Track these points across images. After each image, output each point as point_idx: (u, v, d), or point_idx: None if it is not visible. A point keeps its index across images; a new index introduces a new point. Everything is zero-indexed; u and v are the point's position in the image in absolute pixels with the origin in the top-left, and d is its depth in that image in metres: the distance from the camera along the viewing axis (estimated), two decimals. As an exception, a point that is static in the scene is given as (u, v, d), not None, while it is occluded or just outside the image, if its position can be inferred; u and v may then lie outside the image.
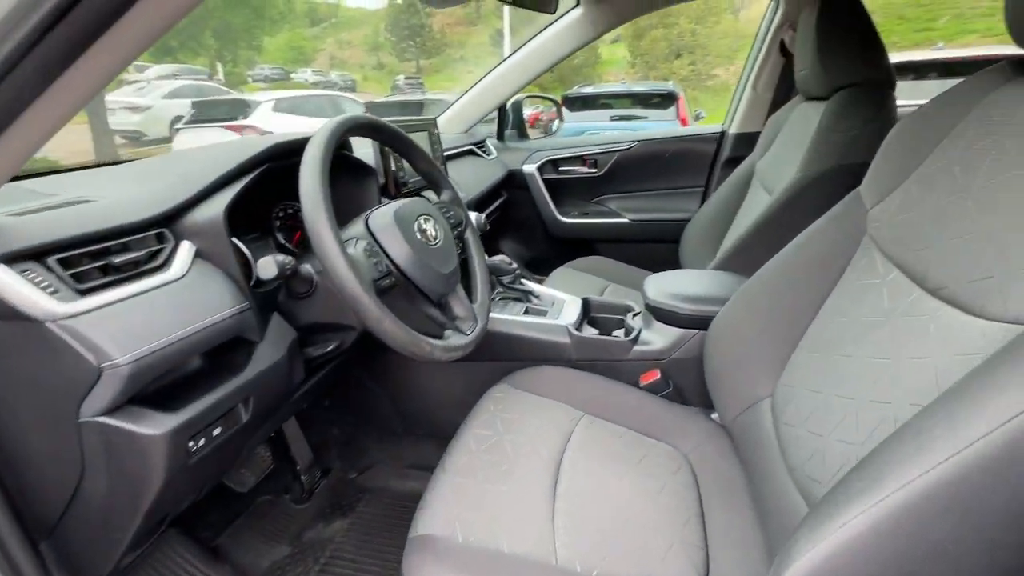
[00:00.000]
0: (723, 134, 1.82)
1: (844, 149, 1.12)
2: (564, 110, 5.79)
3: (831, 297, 0.78)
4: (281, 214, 0.95)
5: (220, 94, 10.11)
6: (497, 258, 1.25)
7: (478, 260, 0.98)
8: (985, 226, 0.55)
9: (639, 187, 1.97)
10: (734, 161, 1.75)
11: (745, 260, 1.28)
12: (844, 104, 1.15)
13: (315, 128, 0.75)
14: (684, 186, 1.91)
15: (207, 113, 6.91)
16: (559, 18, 1.68)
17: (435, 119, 1.43)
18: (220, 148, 0.96)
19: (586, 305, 1.25)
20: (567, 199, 2.04)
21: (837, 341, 0.72)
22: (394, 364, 1.21)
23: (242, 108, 6.72)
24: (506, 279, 1.27)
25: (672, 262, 1.94)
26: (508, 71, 1.78)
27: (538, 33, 1.72)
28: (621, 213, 1.97)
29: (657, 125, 5.28)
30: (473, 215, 1.31)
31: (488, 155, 1.90)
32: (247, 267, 0.80)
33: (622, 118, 5.56)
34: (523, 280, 1.32)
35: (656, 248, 1.96)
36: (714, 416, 0.98)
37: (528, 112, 2.28)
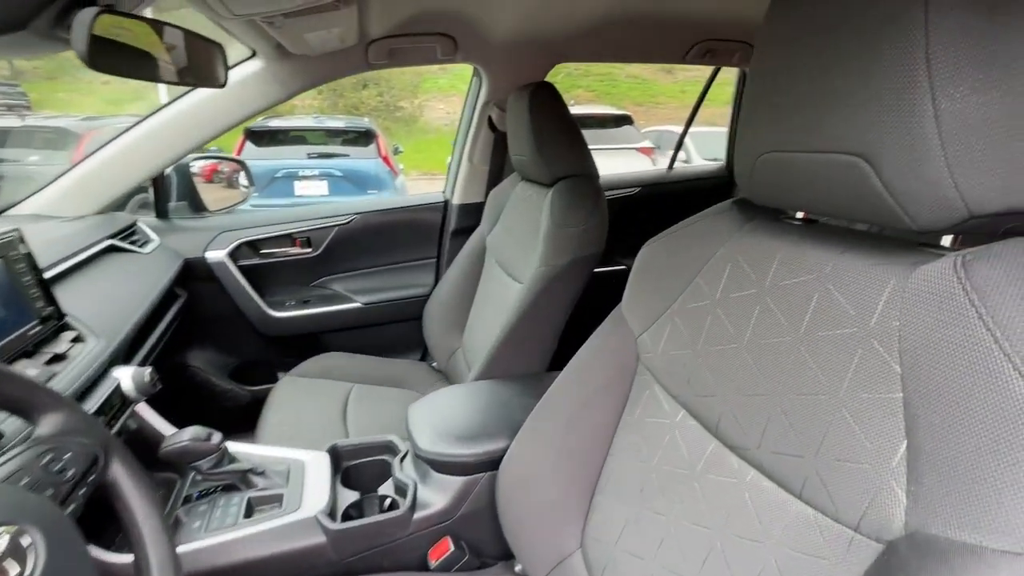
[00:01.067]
0: (447, 204, 1.73)
1: (577, 243, 1.13)
2: (248, 146, 5.05)
3: (621, 431, 0.72)
4: None
5: None
6: (188, 432, 0.82)
7: (144, 517, 0.56)
8: (773, 391, 0.53)
9: (367, 264, 1.71)
10: (462, 232, 1.69)
11: (512, 356, 1.19)
12: (568, 195, 1.16)
13: None
14: (416, 259, 1.75)
15: None
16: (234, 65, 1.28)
17: (17, 232, 0.83)
18: None
19: (335, 457, 0.94)
20: (278, 288, 1.62)
21: (642, 491, 0.66)
22: None
23: None
24: (206, 464, 0.85)
25: (415, 342, 1.77)
26: (158, 133, 1.28)
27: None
28: (351, 296, 1.67)
29: (364, 164, 5.08)
30: (126, 376, 0.84)
31: (144, 246, 1.32)
32: None
33: (321, 155, 5.15)
34: (234, 448, 0.91)
35: (396, 330, 1.74)
36: (517, 568, 0.88)
37: (200, 166, 1.71)
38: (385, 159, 5.24)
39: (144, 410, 0.95)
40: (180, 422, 0.90)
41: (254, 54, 1.24)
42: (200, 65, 0.72)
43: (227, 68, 0.79)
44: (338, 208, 1.65)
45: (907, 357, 0.43)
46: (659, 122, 9.62)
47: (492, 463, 0.88)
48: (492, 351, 1.18)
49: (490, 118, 1.56)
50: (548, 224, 1.15)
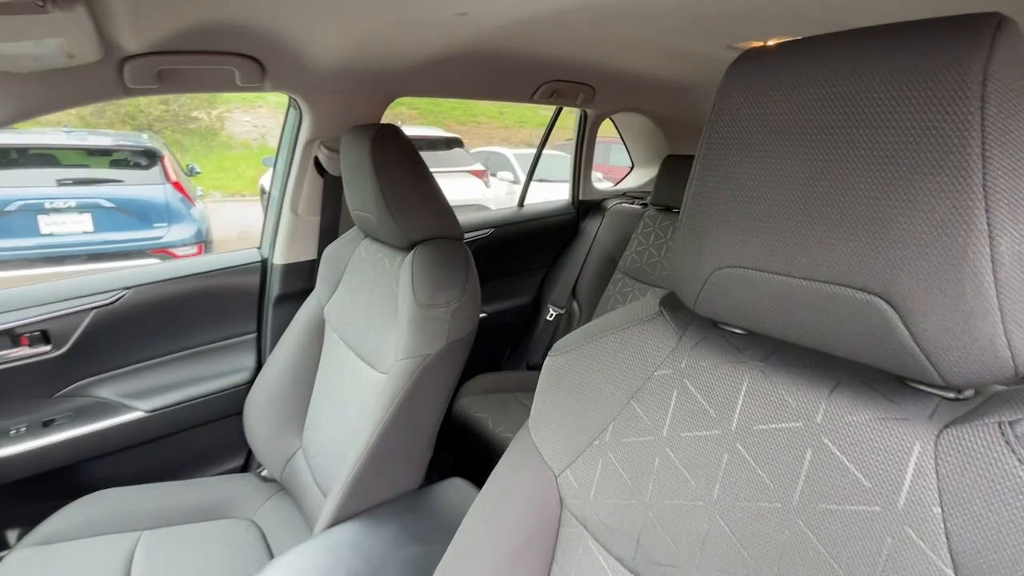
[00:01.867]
0: (266, 265, 1.36)
1: (450, 325, 0.92)
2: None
3: None
4: None
5: None
6: None
7: None
8: (767, 572, 0.42)
9: (152, 353, 1.25)
10: (289, 298, 1.34)
11: (379, 475, 0.93)
12: (432, 266, 0.94)
13: None
14: (227, 337, 1.34)
15: None
16: None
17: None
18: None
19: None
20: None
21: None
22: None
23: None
24: None
25: (233, 448, 1.36)
26: None
27: None
28: (127, 404, 1.20)
29: (146, 191, 4.09)
30: None
31: None
32: None
33: (79, 181, 4.01)
34: None
35: (204, 436, 1.31)
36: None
37: None
38: (177, 185, 4.33)
39: None
40: None
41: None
42: None
43: None
44: (95, 283, 1.16)
45: (963, 559, 0.32)
46: (482, 142, 9.87)
47: None
48: (352, 472, 0.89)
49: (317, 159, 1.26)
50: (411, 306, 0.91)
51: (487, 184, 6.06)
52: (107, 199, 3.99)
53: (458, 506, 0.92)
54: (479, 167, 6.12)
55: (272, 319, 1.35)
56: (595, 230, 1.96)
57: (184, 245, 4.25)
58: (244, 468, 1.39)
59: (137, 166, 4.33)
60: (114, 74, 0.90)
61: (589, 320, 1.92)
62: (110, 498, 1.08)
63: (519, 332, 2.02)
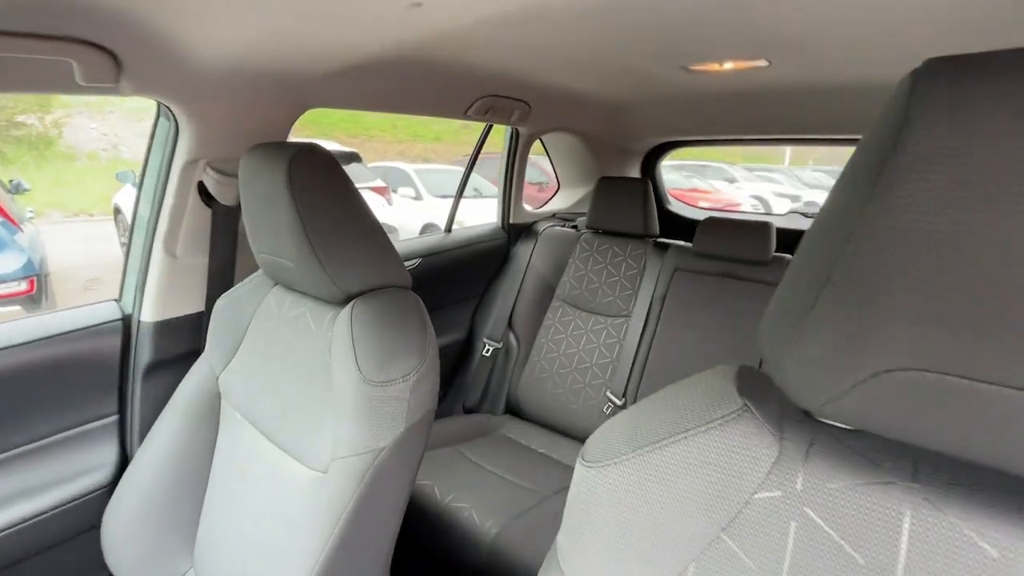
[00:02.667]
0: (128, 322, 1.02)
1: (409, 404, 0.71)
2: None
3: None
4: None
5: None
6: None
7: None
8: None
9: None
10: (160, 367, 1.03)
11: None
12: (378, 329, 0.72)
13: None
14: (75, 424, 0.98)
15: None
16: None
17: None
18: None
19: None
20: None
21: None
22: None
23: None
24: None
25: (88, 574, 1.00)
26: None
27: None
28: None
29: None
30: None
31: None
32: None
33: None
34: None
35: (44, 566, 0.94)
36: None
37: None
38: (7, 216, 3.48)
39: None
40: None
41: None
42: None
43: None
44: None
45: None
46: (377, 157, 9.42)
47: None
48: None
49: (202, 185, 0.97)
50: (354, 384, 0.69)
51: (389, 201, 5.73)
52: None
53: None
54: (380, 183, 5.77)
55: (140, 396, 1.02)
56: (528, 255, 1.83)
57: (10, 280, 3.41)
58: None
59: (-67, 183, 3.41)
60: None
61: (528, 353, 1.77)
62: None
63: (452, 372, 1.82)
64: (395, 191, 6.06)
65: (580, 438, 1.56)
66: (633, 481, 0.41)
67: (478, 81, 1.23)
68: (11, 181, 4.58)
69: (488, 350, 1.75)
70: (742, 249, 1.41)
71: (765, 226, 1.39)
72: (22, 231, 3.63)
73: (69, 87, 0.72)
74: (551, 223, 1.91)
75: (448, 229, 1.77)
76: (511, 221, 1.88)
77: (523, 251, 1.85)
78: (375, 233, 0.78)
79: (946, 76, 0.26)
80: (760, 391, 0.41)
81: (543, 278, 1.78)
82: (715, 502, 0.38)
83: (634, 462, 0.42)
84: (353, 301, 0.75)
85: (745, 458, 0.38)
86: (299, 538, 0.69)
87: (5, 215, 3.54)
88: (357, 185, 0.79)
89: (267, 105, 0.95)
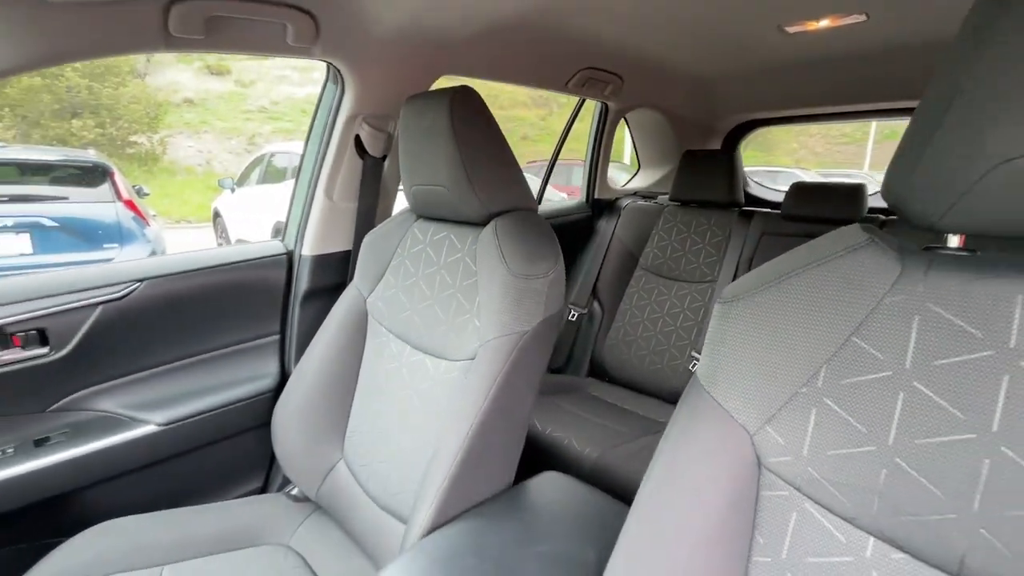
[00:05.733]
0: (291, 256, 1.22)
1: (546, 297, 0.83)
2: None
3: None
4: None
5: None
6: None
7: None
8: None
9: (163, 358, 1.08)
10: (318, 294, 1.21)
11: (473, 478, 0.80)
12: (518, 235, 0.86)
13: None
14: (248, 339, 1.18)
15: None
16: None
17: None
18: None
19: None
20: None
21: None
22: None
23: None
24: None
25: (257, 463, 1.19)
26: None
27: None
28: (137, 417, 1.01)
29: (95, 209, 3.76)
30: None
31: None
32: None
33: (16, 198, 3.63)
34: None
35: (224, 453, 1.14)
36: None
37: None
38: (129, 204, 4.00)
39: None
40: None
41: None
42: None
43: None
44: (102, 273, 0.99)
45: None
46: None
47: None
48: (447, 473, 0.77)
49: (358, 139, 1.15)
50: (503, 278, 0.82)
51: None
52: (50, 218, 3.62)
53: (563, 501, 0.82)
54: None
55: (299, 318, 1.21)
56: (612, 228, 1.93)
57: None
58: (264, 488, 1.21)
59: (83, 182, 3.97)
60: (158, 18, 0.78)
61: (612, 319, 1.87)
62: (119, 530, 0.89)
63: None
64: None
65: (663, 396, 1.63)
66: (764, 307, 0.50)
67: (578, 52, 1.36)
68: (135, 187, 5.22)
69: (573, 315, 1.86)
70: (833, 210, 1.44)
71: (859, 187, 1.43)
72: (149, 226, 4.14)
73: (281, 47, 0.91)
74: (632, 199, 2.01)
75: (538, 202, 1.90)
76: (596, 196, 1.99)
77: (607, 224, 1.95)
78: (512, 164, 0.92)
79: None
80: (881, 235, 0.49)
81: (626, 249, 1.87)
82: (844, 310, 0.47)
83: (764, 293, 0.51)
84: (495, 219, 0.89)
85: (871, 273, 0.46)
86: (444, 423, 0.81)
87: (137, 212, 4.06)
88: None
89: (413, 68, 1.13)
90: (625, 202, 1.99)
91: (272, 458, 1.17)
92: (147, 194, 5.37)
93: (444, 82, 1.23)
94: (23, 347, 0.90)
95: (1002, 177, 0.38)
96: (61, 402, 0.96)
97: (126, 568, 0.83)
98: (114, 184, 4.06)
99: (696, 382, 0.55)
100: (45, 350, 0.92)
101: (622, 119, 1.94)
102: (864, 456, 0.44)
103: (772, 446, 0.48)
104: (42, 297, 0.92)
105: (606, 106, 1.83)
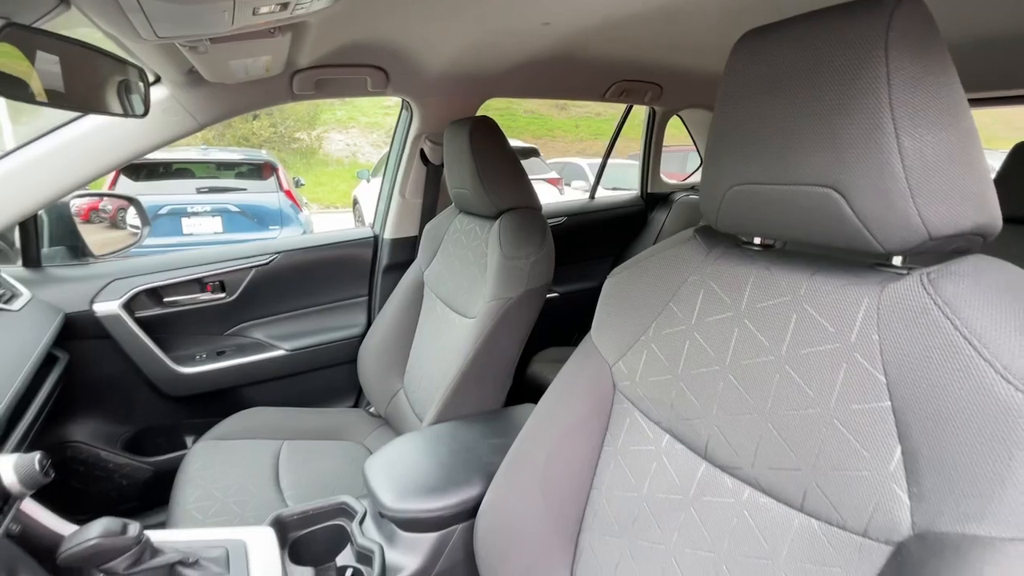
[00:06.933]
0: (377, 239, 1.65)
1: (528, 274, 1.12)
2: (123, 181, 4.49)
3: (603, 463, 0.72)
4: None
5: None
6: (97, 527, 0.67)
7: None
8: (762, 409, 0.55)
9: (291, 307, 1.57)
10: (395, 267, 1.62)
11: (468, 395, 1.14)
12: (515, 227, 1.16)
13: None
14: (345, 298, 1.64)
15: None
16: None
17: None
18: None
19: (280, 529, 0.83)
20: (185, 340, 1.43)
21: (635, 523, 0.65)
22: None
23: None
24: (123, 564, 0.70)
25: (348, 387, 1.65)
26: (33, 167, 1.08)
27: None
28: (274, 343, 1.52)
29: (264, 198, 4.74)
30: (7, 468, 0.69)
31: (11, 302, 1.10)
32: None
33: (212, 189, 4.73)
34: (157, 539, 0.76)
35: (327, 376, 1.61)
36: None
37: (79, 204, 1.47)
38: (288, 193, 4.95)
39: (30, 507, 0.77)
40: (68, 514, 0.73)
41: (158, 79, 1.11)
42: (117, 91, 0.62)
43: (148, 94, 0.69)
44: (257, 247, 1.50)
45: (891, 368, 0.46)
46: (558, 155, 10.17)
47: (467, 512, 0.84)
48: (446, 392, 1.12)
49: (422, 151, 1.53)
50: (498, 257, 1.13)
51: (561, 191, 6.28)
52: (234, 205, 4.65)
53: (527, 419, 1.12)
54: (554, 175, 6.36)
55: (381, 285, 1.64)
56: (663, 221, 2.10)
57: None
58: (356, 404, 1.67)
59: (257, 176, 5.01)
60: (286, 83, 1.21)
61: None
62: (260, 414, 1.38)
63: (587, 312, 2.19)
64: (569, 184, 6.61)
65: None
66: (628, 281, 0.76)
67: (612, 69, 1.58)
68: (294, 178, 6.31)
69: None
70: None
71: None
72: (302, 212, 5.07)
73: (365, 92, 1.31)
74: (686, 193, 2.15)
75: (592, 196, 2.15)
76: (649, 191, 2.17)
77: (658, 217, 2.13)
78: (519, 173, 1.21)
79: (749, 41, 0.57)
80: (709, 233, 0.71)
81: (673, 239, 2.03)
82: (668, 287, 0.70)
83: (630, 270, 0.76)
84: (502, 215, 1.19)
85: (685, 262, 0.70)
86: (460, 351, 1.15)
87: (294, 201, 5.00)
88: (532, 177, 1.23)
89: (462, 97, 1.47)
90: (679, 196, 2.14)
91: (358, 384, 1.62)
92: (303, 184, 6.46)
93: (491, 103, 1.55)
94: (212, 292, 1.43)
95: (732, 196, 0.61)
96: (232, 329, 1.49)
97: (262, 437, 1.31)
98: (278, 178, 5.03)
99: (589, 334, 0.82)
100: (223, 295, 1.45)
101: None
102: (666, 382, 0.68)
103: (621, 374, 0.74)
104: (223, 261, 1.44)
105: (654, 109, 2.00)
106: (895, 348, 0.46)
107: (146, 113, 0.69)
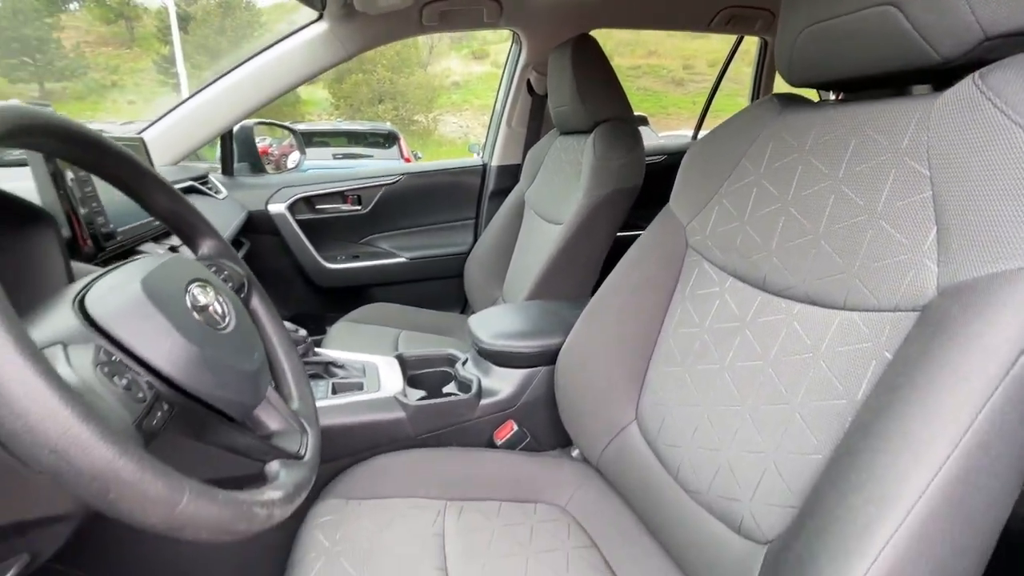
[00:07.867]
0: (485, 167, 1.84)
1: (618, 175, 1.23)
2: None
3: (671, 309, 0.80)
4: None
5: None
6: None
7: (279, 339, 0.66)
8: (816, 230, 0.60)
9: (411, 223, 1.83)
10: (500, 192, 1.79)
11: (554, 287, 1.28)
12: (608, 136, 1.26)
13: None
14: (456, 219, 1.86)
15: None
16: (293, 34, 1.42)
17: (140, 137, 0.98)
18: None
19: (402, 364, 1.04)
20: (330, 242, 1.74)
21: (694, 351, 0.73)
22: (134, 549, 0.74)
23: None
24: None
25: (456, 297, 1.87)
26: (230, 90, 1.41)
27: (266, 48, 1.42)
28: (396, 252, 1.78)
29: (386, 163, 5.26)
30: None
31: (218, 194, 1.45)
32: None
33: (346, 156, 5.34)
34: (317, 349, 1.02)
35: (437, 285, 1.84)
36: (575, 453, 0.94)
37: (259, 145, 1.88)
38: (407, 160, 5.42)
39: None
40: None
41: (320, 17, 1.37)
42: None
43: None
44: (386, 168, 1.77)
45: (936, 160, 0.50)
46: (670, 130, 9.82)
47: (550, 357, 0.96)
48: (537, 280, 1.27)
49: (528, 82, 1.68)
50: (590, 159, 1.25)
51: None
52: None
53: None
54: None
55: (487, 207, 1.83)
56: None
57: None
58: (462, 311, 1.90)
59: (382, 145, 5.55)
60: (416, 17, 1.42)
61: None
62: (384, 308, 1.64)
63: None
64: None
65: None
66: (705, 147, 0.83)
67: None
68: (414, 152, 6.84)
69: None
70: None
71: None
72: (418, 177, 5.52)
73: (481, 24, 1.48)
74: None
75: (695, 136, 2.15)
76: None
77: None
78: (615, 85, 1.31)
79: None
80: (783, 98, 0.77)
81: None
82: (740, 145, 0.77)
83: (705, 139, 0.84)
84: (597, 127, 1.30)
85: (757, 121, 0.76)
86: (543, 258, 1.29)
87: (408, 159, 5.46)
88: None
89: (568, 26, 1.58)
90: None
91: (464, 295, 1.82)
92: (420, 158, 6.99)
93: (597, 34, 1.65)
94: (351, 204, 1.72)
95: (802, 44, 0.68)
96: (366, 238, 1.78)
97: (383, 325, 1.56)
98: (400, 147, 5.53)
99: (667, 208, 0.91)
100: (359, 207, 1.73)
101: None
102: (734, 229, 0.75)
103: (693, 231, 0.83)
104: (360, 178, 1.72)
105: (765, 41, 1.94)
106: (943, 142, 0.50)
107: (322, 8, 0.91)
